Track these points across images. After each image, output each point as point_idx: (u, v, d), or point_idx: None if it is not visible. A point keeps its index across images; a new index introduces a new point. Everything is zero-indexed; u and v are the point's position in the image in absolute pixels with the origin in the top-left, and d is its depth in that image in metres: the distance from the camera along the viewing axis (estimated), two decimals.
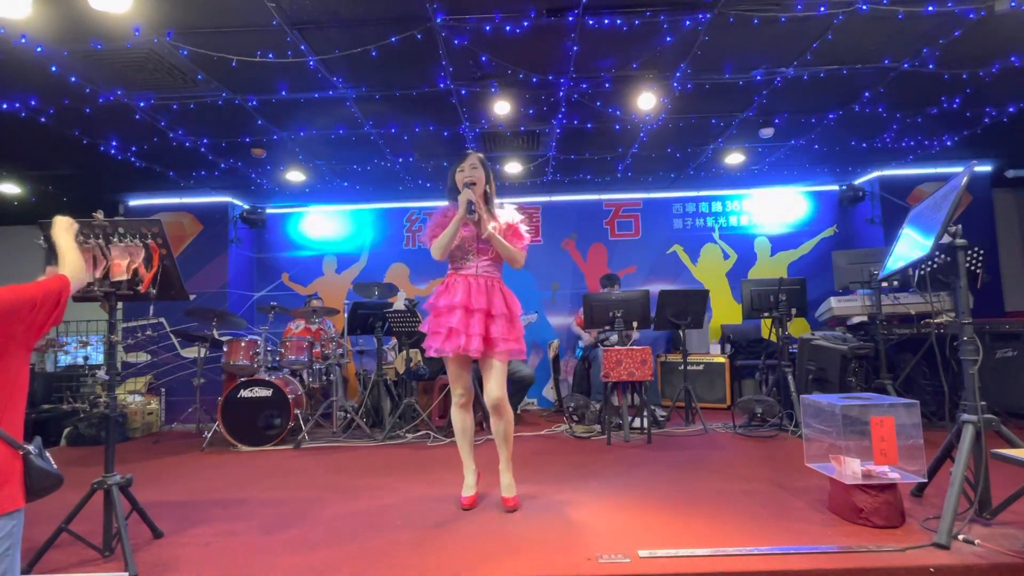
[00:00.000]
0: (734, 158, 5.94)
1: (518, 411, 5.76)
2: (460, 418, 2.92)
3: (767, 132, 5.19)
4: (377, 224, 7.30)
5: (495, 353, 2.75)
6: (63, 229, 2.01)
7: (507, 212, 2.93)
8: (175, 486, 3.54)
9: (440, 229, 2.81)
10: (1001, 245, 6.66)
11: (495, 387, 2.77)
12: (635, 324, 4.75)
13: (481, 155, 2.92)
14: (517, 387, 5.30)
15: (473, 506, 2.84)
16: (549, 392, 6.87)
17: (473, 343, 2.68)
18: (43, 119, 4.40)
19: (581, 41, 3.67)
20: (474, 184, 2.80)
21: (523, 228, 2.91)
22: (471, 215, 2.74)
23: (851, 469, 2.42)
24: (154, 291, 2.45)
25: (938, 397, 4.49)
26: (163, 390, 6.51)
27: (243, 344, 5.04)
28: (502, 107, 4.53)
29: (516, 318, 2.83)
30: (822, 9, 3.39)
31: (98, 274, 2.38)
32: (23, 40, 3.40)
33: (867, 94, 4.50)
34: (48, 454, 1.71)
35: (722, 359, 6.14)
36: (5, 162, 5.44)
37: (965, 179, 2.41)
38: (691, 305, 4.95)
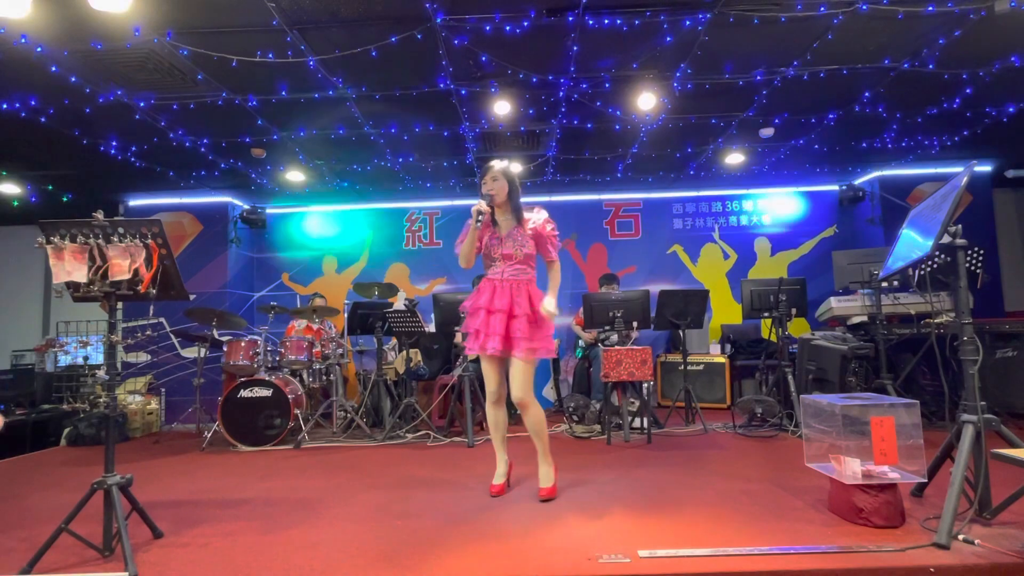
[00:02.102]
0: (734, 158, 5.94)
1: (517, 411, 5.76)
2: (491, 414, 3.09)
3: (767, 132, 5.19)
4: (377, 224, 7.30)
5: (516, 352, 2.87)
6: None
7: (536, 215, 3.00)
8: (175, 486, 3.53)
9: (464, 236, 2.98)
10: (1001, 245, 6.67)
11: (516, 386, 2.91)
12: (635, 324, 4.74)
13: (504, 165, 2.99)
14: None
15: (501, 494, 3.02)
16: (549, 392, 6.87)
17: (490, 342, 2.84)
18: (43, 119, 4.40)
19: (581, 41, 3.67)
20: (493, 195, 2.92)
21: (553, 232, 3.00)
22: (478, 224, 2.88)
23: (851, 469, 2.42)
24: (154, 291, 2.45)
25: (938, 397, 4.49)
26: (163, 390, 6.52)
27: (243, 344, 5.04)
28: (502, 107, 4.53)
29: (544, 319, 2.91)
30: (822, 9, 3.39)
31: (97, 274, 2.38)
32: (23, 40, 3.40)
33: (867, 94, 4.50)
34: None
35: (722, 359, 6.14)
36: (5, 162, 5.44)
37: (965, 179, 2.41)
38: (691, 305, 4.95)
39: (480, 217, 2.86)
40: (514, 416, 4.73)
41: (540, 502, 2.86)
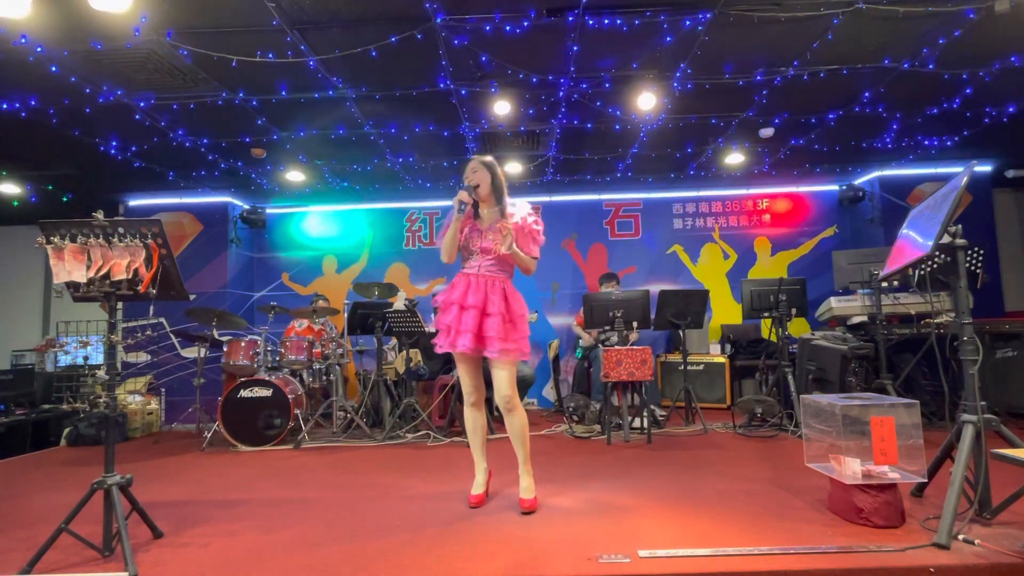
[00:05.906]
0: (734, 158, 5.94)
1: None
2: (470, 417, 2.96)
3: (767, 132, 5.19)
4: (377, 224, 7.30)
5: (489, 352, 2.74)
6: None
7: (521, 208, 2.89)
8: (175, 486, 3.53)
9: (445, 229, 2.87)
10: (1001, 245, 6.66)
11: (501, 385, 2.78)
12: (635, 324, 4.74)
13: (487, 158, 2.90)
14: (518, 387, 5.30)
15: (480, 504, 2.85)
16: (549, 392, 6.87)
17: (461, 339, 2.70)
18: (43, 119, 4.40)
19: (581, 41, 3.67)
20: (477, 186, 2.82)
21: (536, 226, 2.87)
22: (461, 212, 2.79)
23: (851, 469, 2.42)
24: (154, 291, 2.45)
25: (938, 397, 4.49)
26: (163, 390, 6.52)
27: (243, 344, 5.04)
28: (502, 107, 4.53)
29: (518, 319, 2.79)
30: (822, 9, 3.39)
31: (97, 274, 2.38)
32: (23, 40, 3.40)
33: (867, 94, 4.50)
34: None
35: (722, 359, 6.14)
36: (5, 162, 5.44)
37: (965, 179, 2.41)
38: (691, 305, 4.95)
39: (463, 206, 2.76)
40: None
41: (521, 515, 2.68)
